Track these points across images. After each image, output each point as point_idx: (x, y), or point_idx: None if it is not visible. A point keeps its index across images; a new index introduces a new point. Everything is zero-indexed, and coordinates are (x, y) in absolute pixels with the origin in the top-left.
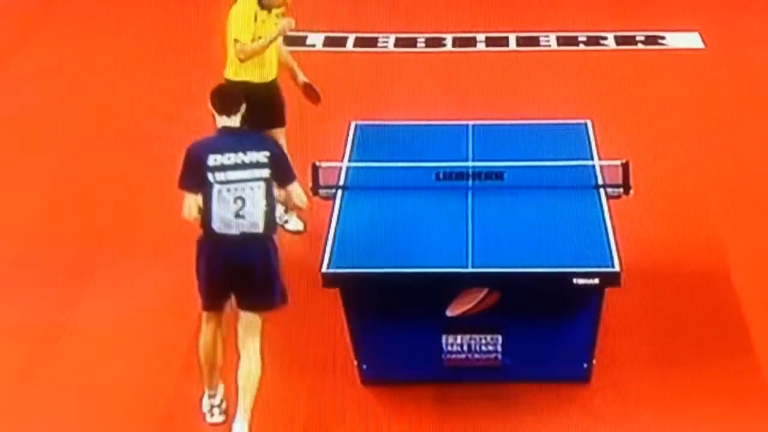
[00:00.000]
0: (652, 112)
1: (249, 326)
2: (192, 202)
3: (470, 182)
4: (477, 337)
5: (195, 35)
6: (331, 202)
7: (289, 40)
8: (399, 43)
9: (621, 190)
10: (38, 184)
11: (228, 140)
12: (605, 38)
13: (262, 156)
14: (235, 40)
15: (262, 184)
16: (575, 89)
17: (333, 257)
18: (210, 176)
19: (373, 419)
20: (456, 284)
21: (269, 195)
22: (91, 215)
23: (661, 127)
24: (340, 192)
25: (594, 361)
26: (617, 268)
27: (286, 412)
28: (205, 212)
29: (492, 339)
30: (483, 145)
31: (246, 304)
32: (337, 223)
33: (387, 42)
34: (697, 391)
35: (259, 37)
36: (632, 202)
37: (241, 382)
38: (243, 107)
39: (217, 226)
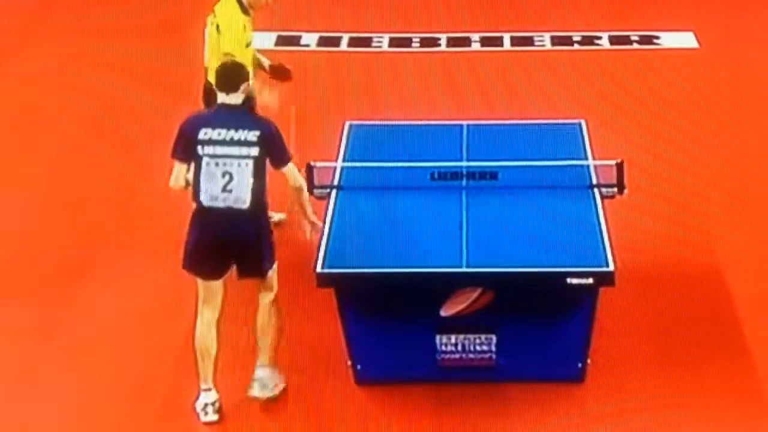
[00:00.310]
0: (646, 112)
1: (262, 284)
2: (179, 171)
3: (465, 182)
4: (471, 336)
5: (194, 35)
6: (325, 202)
7: (283, 40)
8: (393, 42)
9: (615, 189)
10: (37, 183)
11: (221, 116)
12: (600, 38)
13: (252, 135)
14: (226, 54)
15: (250, 162)
16: (570, 89)
17: (327, 257)
18: (199, 149)
19: (368, 420)
20: (450, 284)
21: (258, 174)
22: (90, 215)
23: (655, 127)
24: (334, 192)
25: (588, 361)
26: (611, 268)
27: (280, 412)
28: (194, 184)
29: (486, 339)
30: (478, 145)
31: (240, 273)
32: (331, 223)
33: (381, 42)
34: (692, 390)
35: (247, 45)
36: (627, 202)
37: (258, 334)
38: (244, 86)
39: (204, 198)
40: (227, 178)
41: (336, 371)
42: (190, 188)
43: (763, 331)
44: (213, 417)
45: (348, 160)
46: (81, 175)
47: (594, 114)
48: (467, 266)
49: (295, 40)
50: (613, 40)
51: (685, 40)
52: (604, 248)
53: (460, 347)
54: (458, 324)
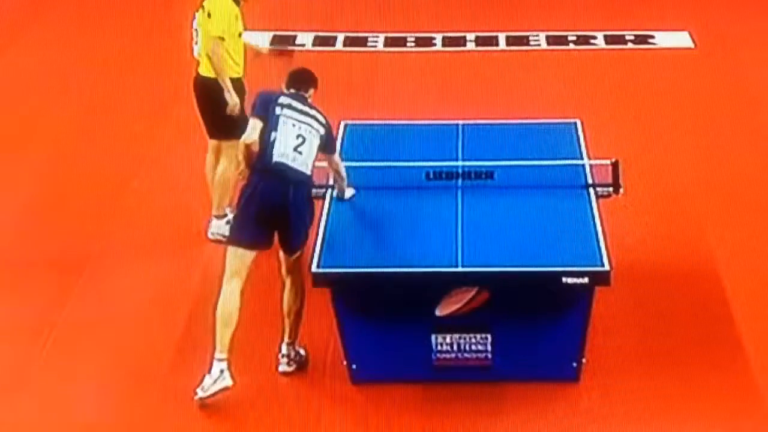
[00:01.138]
0: (642, 112)
1: (291, 262)
2: (254, 125)
3: (460, 182)
4: (466, 336)
5: (183, 36)
6: (321, 202)
7: (279, 40)
8: (389, 42)
9: (611, 189)
10: (25, 183)
11: (296, 97)
12: (595, 38)
13: (320, 116)
14: (220, 38)
15: (318, 135)
16: (565, 89)
17: (323, 257)
18: (278, 109)
19: (363, 419)
20: (446, 284)
21: (319, 150)
22: (79, 215)
23: (651, 127)
24: (329, 191)
25: (584, 361)
26: (607, 267)
27: (276, 412)
28: (265, 143)
29: (481, 338)
30: (473, 145)
31: (280, 242)
32: (326, 223)
33: (377, 41)
34: (688, 390)
35: (239, 34)
36: (622, 202)
37: (286, 312)
38: (312, 90)
39: (274, 154)
40: (300, 140)
41: (332, 371)
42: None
43: (757, 329)
44: (228, 382)
45: (343, 160)
46: (69, 175)
47: (589, 113)
48: (463, 266)
49: (290, 40)
50: (609, 40)
51: (681, 39)
52: (600, 248)
53: (455, 347)
54: (454, 324)
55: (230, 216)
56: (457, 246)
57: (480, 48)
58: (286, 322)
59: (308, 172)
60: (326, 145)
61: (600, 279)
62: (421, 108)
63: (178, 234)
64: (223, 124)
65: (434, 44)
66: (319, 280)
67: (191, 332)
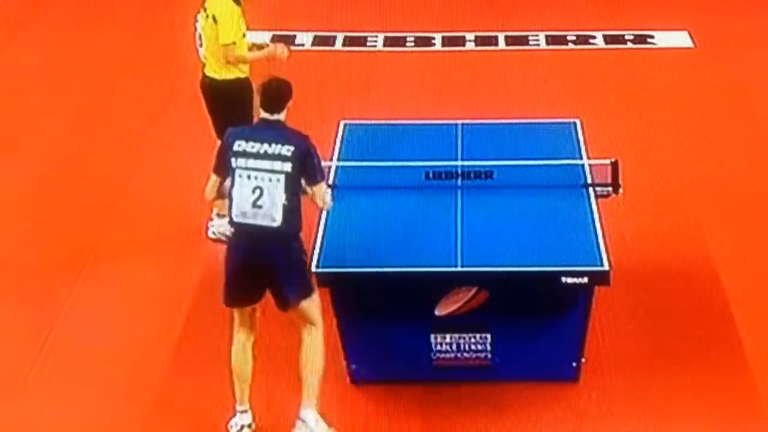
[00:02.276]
0: (641, 111)
1: (297, 319)
2: (213, 183)
3: (459, 181)
4: (466, 336)
5: (181, 36)
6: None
7: (278, 39)
8: (388, 42)
9: (610, 189)
10: (23, 185)
11: (259, 130)
12: (594, 37)
13: (285, 149)
14: (233, 43)
15: (282, 177)
16: (564, 88)
17: (322, 256)
18: (233, 161)
19: (363, 419)
20: (445, 283)
21: (291, 192)
22: (78, 215)
23: (650, 126)
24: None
25: (583, 360)
26: (606, 267)
27: (275, 412)
28: (229, 199)
29: (481, 338)
30: (472, 145)
31: (276, 301)
32: (326, 223)
33: (376, 41)
34: (687, 390)
35: (243, 35)
36: (621, 201)
37: (303, 373)
38: (287, 105)
39: (235, 213)
40: (257, 192)
41: (331, 371)
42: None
43: (756, 330)
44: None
45: (343, 160)
46: (66, 176)
47: (588, 113)
48: (462, 266)
49: (290, 40)
50: (608, 40)
51: (680, 39)
52: (599, 248)
53: (454, 347)
54: (453, 323)
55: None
56: (457, 246)
57: (479, 48)
58: (303, 379)
59: (276, 224)
60: (304, 175)
61: (599, 279)
62: (420, 108)
63: (177, 234)
64: (231, 125)
65: (434, 44)
66: (319, 279)
67: (191, 332)
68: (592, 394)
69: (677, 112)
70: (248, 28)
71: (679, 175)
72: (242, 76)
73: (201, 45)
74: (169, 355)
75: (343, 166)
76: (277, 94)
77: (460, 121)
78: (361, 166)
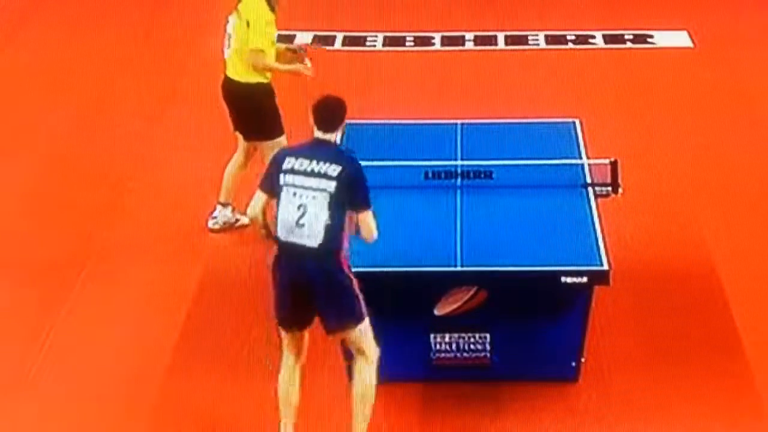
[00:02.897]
0: (641, 111)
1: (348, 344)
2: (257, 199)
3: (459, 181)
4: (465, 336)
5: (180, 35)
6: None
7: (278, 40)
8: (387, 41)
9: (610, 188)
10: (23, 185)
11: (309, 148)
12: (594, 37)
13: (332, 169)
14: (261, 51)
15: (326, 196)
16: (564, 88)
17: None
18: (281, 178)
19: None
20: (444, 283)
21: (334, 210)
22: (77, 215)
23: (650, 126)
24: None
25: (582, 360)
26: (606, 267)
27: (274, 412)
28: (275, 217)
29: (480, 338)
30: (472, 144)
31: (324, 326)
32: None
33: (375, 41)
34: (686, 390)
35: (273, 42)
36: (620, 201)
37: (352, 404)
38: (341, 125)
39: (280, 231)
40: (301, 210)
41: (330, 370)
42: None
43: (756, 330)
44: None
45: None
46: (70, 174)
47: (588, 113)
48: (461, 265)
49: (289, 39)
50: (607, 39)
51: (679, 39)
52: (599, 247)
53: (454, 346)
54: (452, 323)
55: (229, 210)
56: (456, 245)
57: (479, 47)
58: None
59: (317, 244)
60: (349, 200)
61: (599, 278)
62: (419, 107)
63: (177, 234)
64: (257, 126)
65: (433, 44)
66: None
67: (190, 332)
68: (591, 394)
69: (677, 112)
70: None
71: (678, 175)
72: (264, 81)
73: (229, 46)
74: (169, 355)
75: None
76: (331, 113)
77: (459, 121)
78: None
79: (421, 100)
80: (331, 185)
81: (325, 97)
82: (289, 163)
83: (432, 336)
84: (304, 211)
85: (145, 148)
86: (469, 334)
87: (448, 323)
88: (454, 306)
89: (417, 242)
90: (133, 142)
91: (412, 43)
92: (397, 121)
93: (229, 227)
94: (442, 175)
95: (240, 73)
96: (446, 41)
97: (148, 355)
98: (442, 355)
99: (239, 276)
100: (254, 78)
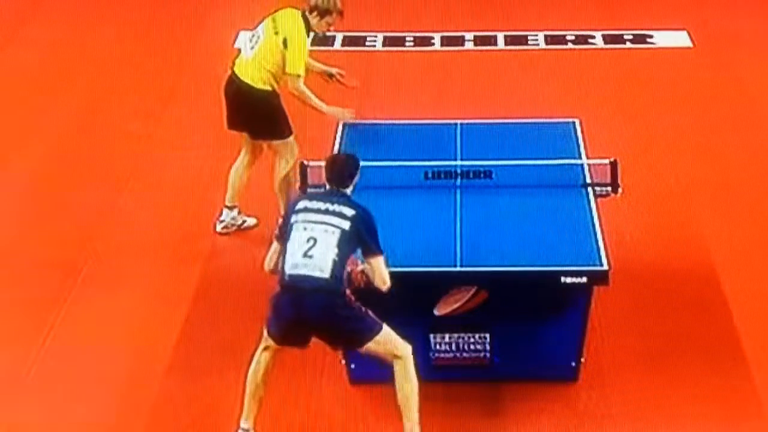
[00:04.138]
0: (640, 111)
1: (372, 355)
2: (273, 251)
3: (459, 181)
4: (465, 336)
5: (179, 35)
6: None
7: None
8: (387, 42)
9: (609, 188)
10: (23, 184)
11: (324, 194)
12: (593, 37)
13: (347, 210)
14: (298, 76)
15: (338, 232)
16: (564, 88)
17: None
18: (293, 217)
19: (362, 419)
20: (444, 283)
21: (343, 249)
22: (77, 215)
23: (649, 126)
24: None
25: (582, 360)
26: (605, 267)
27: (274, 412)
28: (281, 257)
29: (480, 338)
30: (471, 144)
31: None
32: None
33: (375, 41)
34: (685, 389)
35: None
36: (620, 201)
37: (399, 404)
38: (354, 181)
39: (287, 267)
40: (311, 243)
41: (330, 371)
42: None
43: (756, 329)
44: None
45: None
46: (69, 174)
47: (588, 113)
48: (461, 265)
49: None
50: (607, 39)
51: (679, 39)
52: (598, 247)
53: (453, 346)
54: (452, 323)
55: (235, 212)
56: (456, 245)
57: (479, 47)
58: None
59: (324, 276)
60: (361, 246)
61: (599, 279)
62: (419, 107)
63: (177, 234)
64: (270, 128)
65: (433, 44)
66: None
67: (191, 332)
68: (591, 394)
69: (676, 112)
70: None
71: (678, 175)
72: (275, 89)
73: (252, 48)
74: (169, 355)
75: None
76: (345, 170)
77: (459, 121)
78: (361, 166)
79: (421, 100)
80: (345, 224)
81: (337, 155)
82: (302, 204)
83: (432, 336)
84: (314, 243)
85: (144, 147)
86: (469, 334)
87: (448, 323)
88: (454, 306)
89: (417, 242)
90: (133, 141)
91: (411, 43)
92: (397, 121)
93: (236, 229)
94: (442, 175)
95: (254, 79)
96: (446, 41)
97: (148, 355)
98: (442, 355)
99: (239, 276)
100: (267, 86)
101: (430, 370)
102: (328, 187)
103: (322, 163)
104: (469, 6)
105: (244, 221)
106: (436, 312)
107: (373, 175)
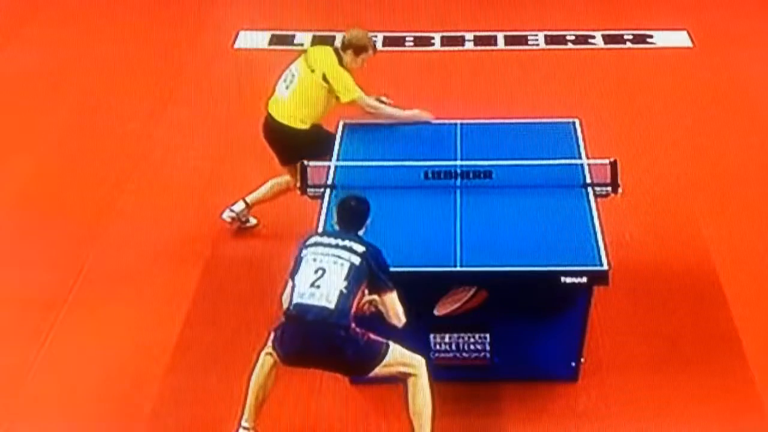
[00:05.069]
0: (640, 111)
1: (385, 376)
2: (289, 290)
3: (458, 181)
4: (465, 336)
5: (179, 36)
6: (319, 202)
7: (277, 39)
8: (387, 41)
9: (609, 188)
10: (22, 184)
11: (335, 232)
12: (593, 37)
13: (357, 246)
14: (359, 97)
15: (348, 266)
16: (563, 88)
17: None
18: (304, 251)
19: (362, 420)
20: (444, 283)
21: (351, 283)
22: (76, 216)
23: (649, 126)
24: (328, 191)
25: (582, 360)
26: (605, 267)
27: (274, 412)
28: (290, 289)
29: (480, 338)
30: (471, 144)
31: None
32: (325, 223)
33: (375, 41)
34: (686, 390)
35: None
36: (620, 201)
37: (412, 420)
38: (365, 224)
39: (294, 298)
40: (319, 273)
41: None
42: None
43: (756, 329)
44: None
45: (342, 160)
46: (68, 174)
47: (588, 113)
48: (461, 265)
49: (288, 39)
50: (607, 39)
51: (679, 39)
52: (598, 247)
53: (453, 346)
54: (452, 323)
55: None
56: (456, 245)
57: (479, 47)
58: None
59: (329, 307)
60: (373, 283)
61: (598, 279)
62: (419, 107)
63: (176, 234)
64: (316, 153)
65: (433, 44)
66: None
67: (191, 332)
68: (591, 394)
69: (676, 112)
70: (247, 28)
71: (678, 175)
72: (314, 124)
73: (287, 88)
74: (169, 356)
75: (342, 166)
76: (355, 214)
77: (459, 121)
78: (361, 166)
79: (420, 100)
80: (355, 259)
81: (347, 199)
82: (313, 240)
83: (432, 336)
84: (322, 274)
85: (144, 148)
86: (469, 334)
87: (448, 323)
88: (454, 306)
89: (417, 242)
90: (133, 142)
91: (411, 43)
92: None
93: (238, 225)
94: (442, 175)
95: (292, 119)
96: (446, 41)
97: (148, 355)
98: (442, 355)
99: (239, 276)
100: (302, 125)
101: (430, 369)
102: (338, 228)
103: (322, 164)
104: (469, 6)
105: (247, 220)
106: (436, 312)
107: (373, 175)
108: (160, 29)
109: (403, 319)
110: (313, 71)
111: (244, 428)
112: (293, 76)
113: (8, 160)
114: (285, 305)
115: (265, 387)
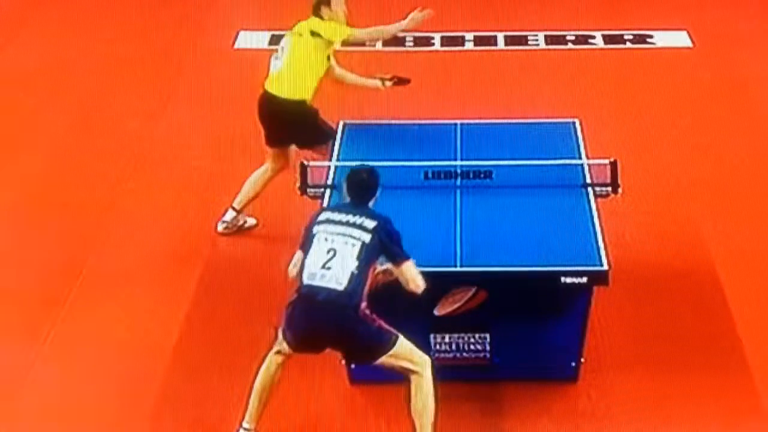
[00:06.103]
0: (640, 111)
1: (389, 368)
2: (297, 259)
3: (458, 181)
4: (465, 336)
5: (179, 36)
6: (319, 202)
7: (277, 39)
8: (387, 42)
9: (609, 188)
10: (22, 184)
11: (345, 206)
12: (593, 37)
13: (368, 222)
14: (348, 36)
15: (359, 245)
16: (563, 88)
17: None
18: (315, 228)
19: (362, 420)
20: (444, 283)
21: (363, 262)
22: (76, 216)
23: (649, 126)
24: (328, 191)
25: (582, 360)
26: (605, 267)
27: (274, 412)
28: (301, 267)
29: (480, 338)
30: (471, 144)
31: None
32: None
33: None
34: (685, 389)
35: (328, 59)
36: (620, 201)
37: (413, 418)
38: (375, 195)
39: (305, 277)
40: (330, 254)
41: (331, 371)
42: None
43: (756, 330)
44: None
45: (342, 160)
46: (68, 174)
47: (588, 113)
48: (461, 265)
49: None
50: (607, 40)
51: (679, 39)
52: (598, 247)
53: (453, 346)
54: (452, 323)
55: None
56: (456, 246)
57: (479, 47)
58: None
59: (340, 288)
60: (387, 255)
61: (598, 279)
62: (419, 107)
63: (176, 234)
64: (313, 134)
65: (433, 44)
66: None
67: (191, 332)
68: (591, 394)
69: (676, 112)
70: (247, 28)
71: (678, 175)
72: (308, 99)
73: (278, 59)
74: (169, 356)
75: (342, 166)
76: (365, 186)
77: (459, 121)
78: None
79: (420, 100)
80: (366, 236)
81: (357, 170)
82: (324, 216)
83: (432, 336)
84: (333, 255)
85: (144, 148)
86: (469, 334)
87: (448, 323)
88: (454, 306)
89: (417, 242)
90: (133, 141)
91: (411, 43)
92: (397, 121)
93: (236, 230)
94: (442, 175)
95: (288, 90)
96: (446, 41)
97: (148, 355)
98: (442, 355)
99: (239, 276)
100: (300, 95)
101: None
102: (348, 200)
103: (322, 164)
104: (469, 6)
105: (245, 221)
106: (435, 312)
107: None
108: (160, 29)
109: (422, 285)
110: (300, 35)
111: (245, 429)
112: (282, 49)
113: (8, 160)
114: (291, 274)
115: (269, 389)
